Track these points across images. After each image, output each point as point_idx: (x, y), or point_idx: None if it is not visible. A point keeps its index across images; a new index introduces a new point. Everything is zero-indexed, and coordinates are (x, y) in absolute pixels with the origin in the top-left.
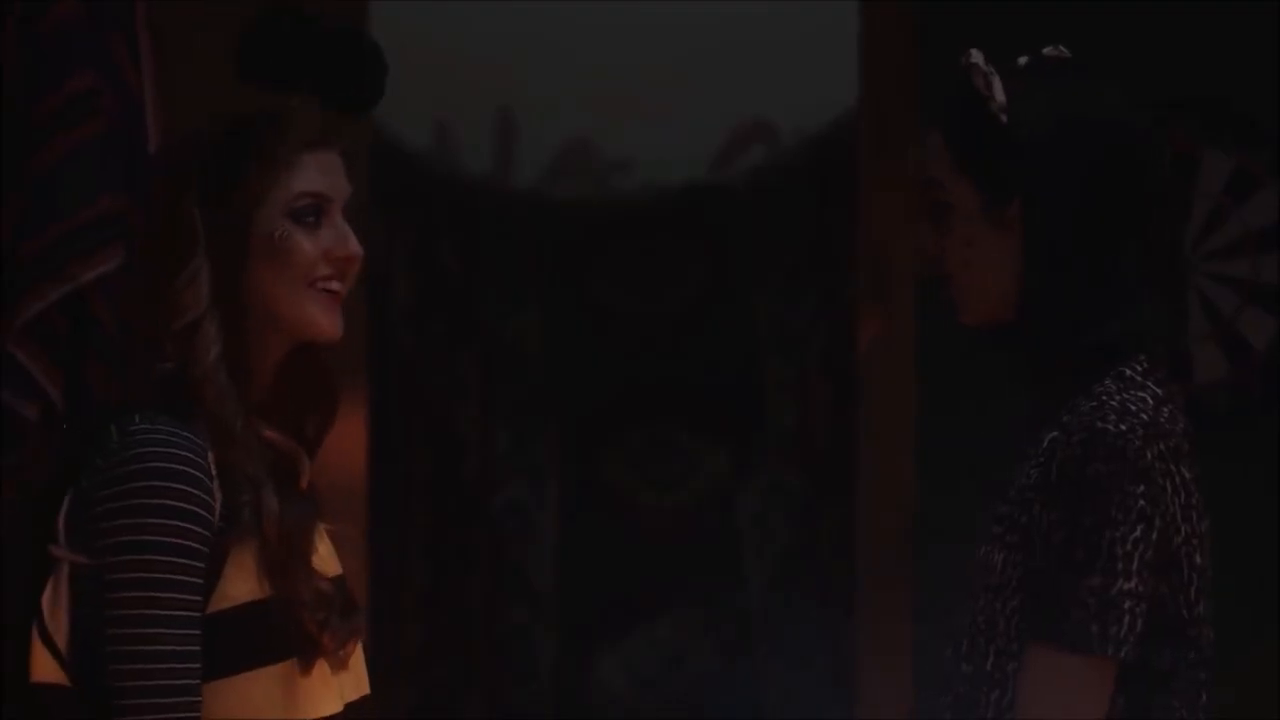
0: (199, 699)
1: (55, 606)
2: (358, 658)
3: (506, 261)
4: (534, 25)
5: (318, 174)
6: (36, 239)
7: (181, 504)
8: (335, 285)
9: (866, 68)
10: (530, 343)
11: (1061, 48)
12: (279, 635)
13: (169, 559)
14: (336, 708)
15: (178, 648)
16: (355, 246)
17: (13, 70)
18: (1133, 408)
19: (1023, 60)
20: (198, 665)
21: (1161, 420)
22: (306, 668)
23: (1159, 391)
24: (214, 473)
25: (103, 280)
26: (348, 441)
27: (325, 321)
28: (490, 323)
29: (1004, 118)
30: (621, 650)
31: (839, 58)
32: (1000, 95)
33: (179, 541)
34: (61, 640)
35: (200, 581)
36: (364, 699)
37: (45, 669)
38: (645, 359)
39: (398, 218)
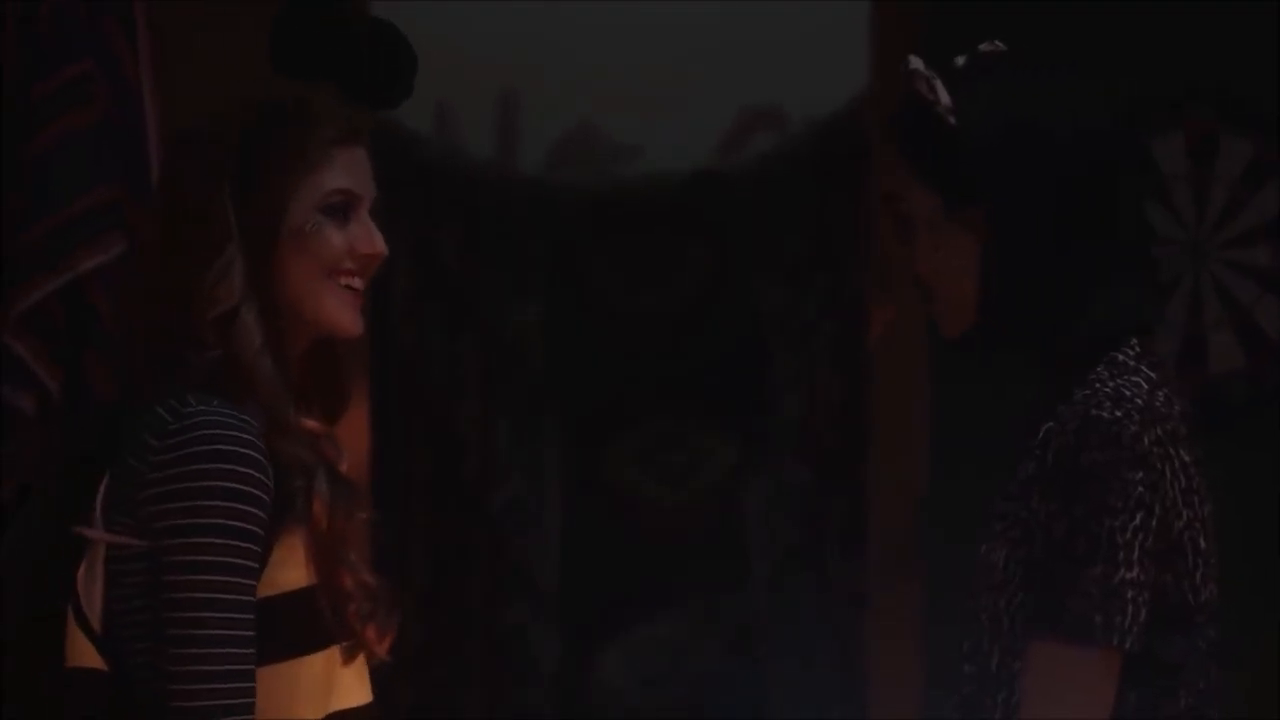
0: (253, 684)
1: (90, 589)
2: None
3: (507, 256)
4: (540, 16)
5: (347, 171)
6: (33, 229)
7: (242, 486)
8: (357, 282)
9: (875, 60)
10: (531, 338)
11: (998, 42)
12: (321, 624)
13: (228, 541)
14: (367, 697)
15: (234, 631)
16: (381, 245)
17: (12, 69)
18: (1127, 393)
19: (960, 60)
20: (252, 650)
21: (1157, 404)
22: (348, 659)
23: (1153, 375)
24: (268, 457)
25: (100, 270)
26: (350, 439)
27: (347, 318)
28: (490, 318)
29: (952, 120)
30: (624, 649)
31: (849, 47)
32: (945, 98)
33: (239, 524)
34: (96, 624)
35: (256, 565)
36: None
37: (82, 653)
38: (648, 353)
39: (398, 210)
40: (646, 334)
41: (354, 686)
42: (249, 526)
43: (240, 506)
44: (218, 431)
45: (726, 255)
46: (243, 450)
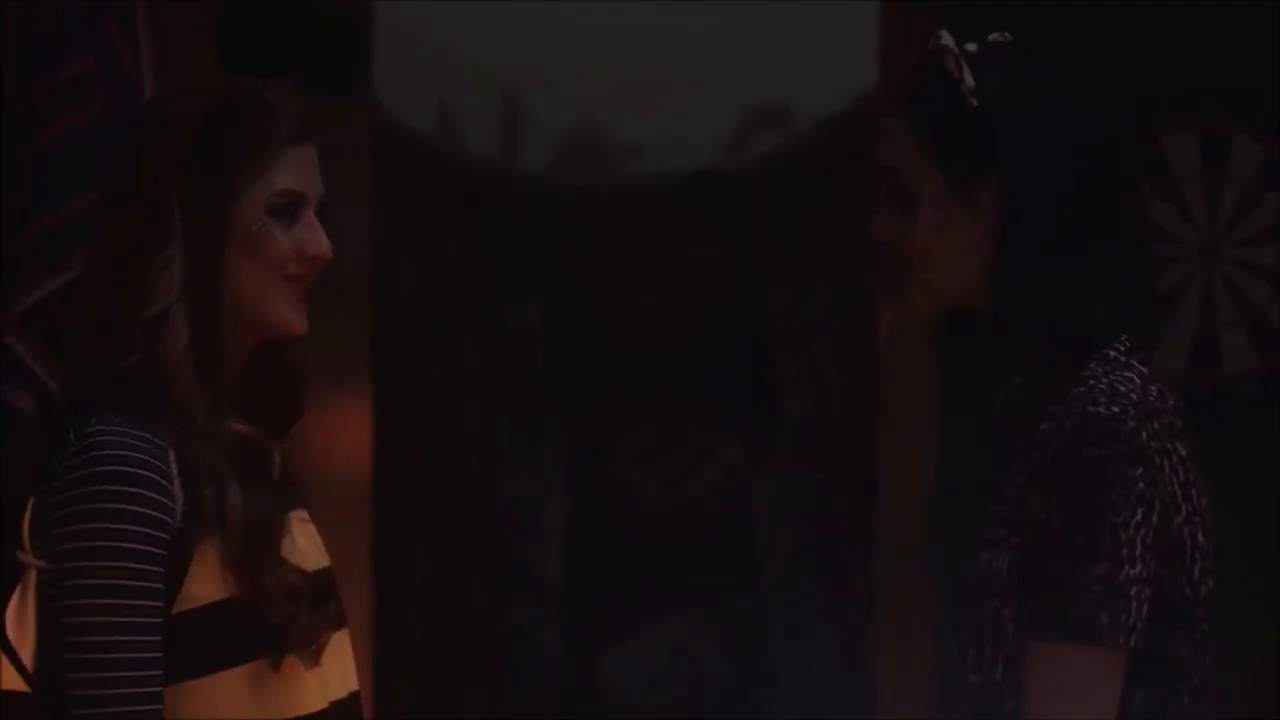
0: (159, 706)
1: (21, 614)
2: (345, 653)
3: (510, 252)
4: (543, 15)
5: (296, 170)
6: (32, 229)
7: (135, 508)
8: (301, 283)
9: (886, 54)
10: (533, 338)
11: (1006, 34)
12: (245, 635)
13: (122, 565)
14: (319, 705)
15: (133, 655)
16: (327, 246)
17: (12, 68)
18: (1121, 389)
19: (972, 46)
20: (157, 672)
21: (1151, 399)
22: (275, 665)
23: (1144, 370)
24: (175, 472)
25: None
26: (352, 437)
27: (292, 317)
28: (494, 315)
29: (975, 101)
30: (627, 649)
31: (857, 41)
32: (970, 79)
33: (133, 546)
34: (28, 647)
35: (159, 586)
36: (352, 695)
37: (8, 678)
38: (654, 350)
39: (400, 208)
40: (649, 333)
41: (300, 696)
42: (146, 548)
43: (135, 529)
44: (110, 453)
45: (730, 255)
46: (135, 471)
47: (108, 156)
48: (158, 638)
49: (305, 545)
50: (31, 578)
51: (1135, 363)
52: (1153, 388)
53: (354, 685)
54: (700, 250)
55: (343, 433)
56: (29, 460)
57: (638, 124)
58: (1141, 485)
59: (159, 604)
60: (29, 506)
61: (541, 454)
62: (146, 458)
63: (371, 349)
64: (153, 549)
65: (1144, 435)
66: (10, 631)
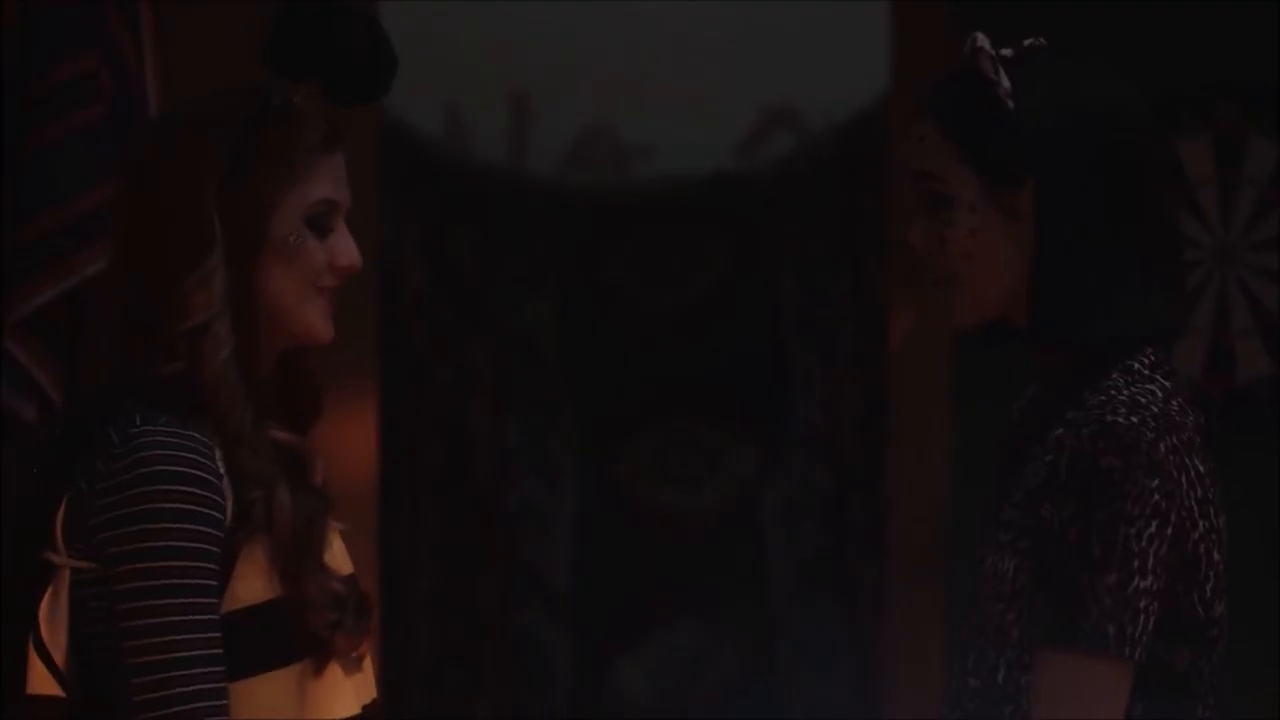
0: (224, 702)
1: (54, 616)
2: (366, 660)
3: (521, 251)
4: (555, 15)
5: (331, 179)
6: (33, 227)
7: (190, 506)
8: (330, 292)
9: (898, 54)
10: (545, 336)
11: (1041, 39)
12: (289, 637)
13: (179, 563)
14: (354, 709)
15: (196, 653)
16: (358, 257)
17: (15, 65)
18: (1142, 401)
19: (1007, 51)
20: (221, 669)
21: (1172, 413)
22: (318, 670)
23: (1167, 384)
24: (222, 470)
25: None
26: (358, 438)
27: (322, 326)
28: (503, 315)
29: (1010, 103)
30: (640, 655)
31: (869, 43)
32: (1006, 81)
33: (189, 545)
34: (60, 651)
35: (215, 584)
36: (372, 702)
37: (41, 682)
38: (665, 352)
39: (408, 206)
40: (662, 334)
41: (338, 699)
42: (201, 545)
43: (189, 527)
44: (159, 453)
45: (744, 256)
46: (187, 470)
47: (110, 155)
48: (217, 634)
49: (337, 550)
50: (65, 579)
51: (1159, 376)
52: (1174, 402)
53: (373, 692)
54: (712, 252)
55: (349, 435)
56: (45, 462)
57: (648, 125)
58: (1157, 497)
59: (216, 600)
60: (62, 508)
61: (551, 456)
62: (197, 457)
63: (379, 350)
64: (208, 546)
65: (1162, 448)
66: (44, 635)
